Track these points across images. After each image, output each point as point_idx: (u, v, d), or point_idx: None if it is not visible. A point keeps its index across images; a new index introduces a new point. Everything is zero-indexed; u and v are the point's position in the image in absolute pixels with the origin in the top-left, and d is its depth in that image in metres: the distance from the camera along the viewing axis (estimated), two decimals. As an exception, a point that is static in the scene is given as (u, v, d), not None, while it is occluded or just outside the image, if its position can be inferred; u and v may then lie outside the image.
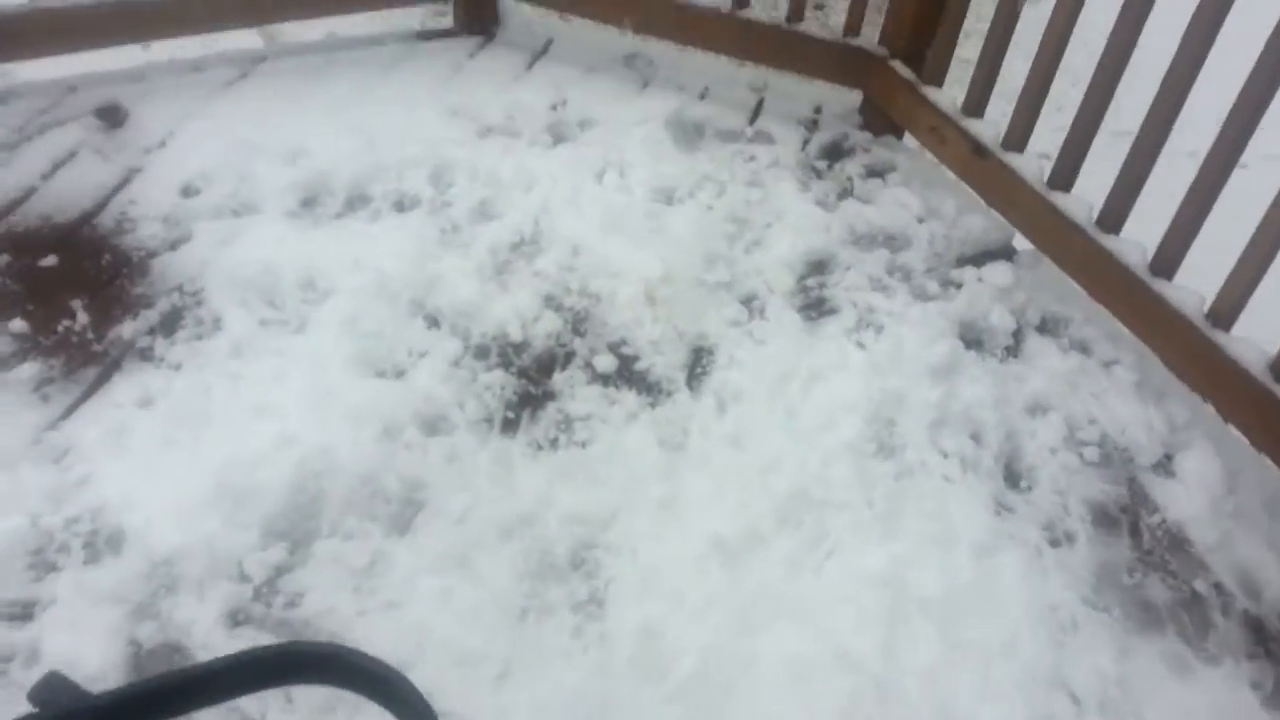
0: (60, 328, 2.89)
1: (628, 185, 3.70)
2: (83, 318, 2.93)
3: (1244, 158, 2.89)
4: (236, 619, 2.27)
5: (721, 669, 2.34)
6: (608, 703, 2.25)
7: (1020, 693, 2.39)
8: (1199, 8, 2.85)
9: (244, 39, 4.33)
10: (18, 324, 2.86)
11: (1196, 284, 3.12)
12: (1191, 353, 3.12)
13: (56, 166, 3.43)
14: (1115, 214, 3.29)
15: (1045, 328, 3.46)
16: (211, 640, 2.21)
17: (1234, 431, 3.10)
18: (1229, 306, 3.00)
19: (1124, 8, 3.06)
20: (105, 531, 2.37)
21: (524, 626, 2.39)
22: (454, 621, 2.34)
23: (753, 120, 4.17)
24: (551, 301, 3.26)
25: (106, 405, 2.69)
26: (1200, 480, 3.01)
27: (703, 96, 4.23)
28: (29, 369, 2.74)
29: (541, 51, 4.37)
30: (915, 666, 2.40)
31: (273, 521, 2.45)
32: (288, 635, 2.23)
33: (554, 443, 2.84)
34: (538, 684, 2.27)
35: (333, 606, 2.32)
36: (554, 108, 4.05)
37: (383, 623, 2.31)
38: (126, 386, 2.74)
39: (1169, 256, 3.15)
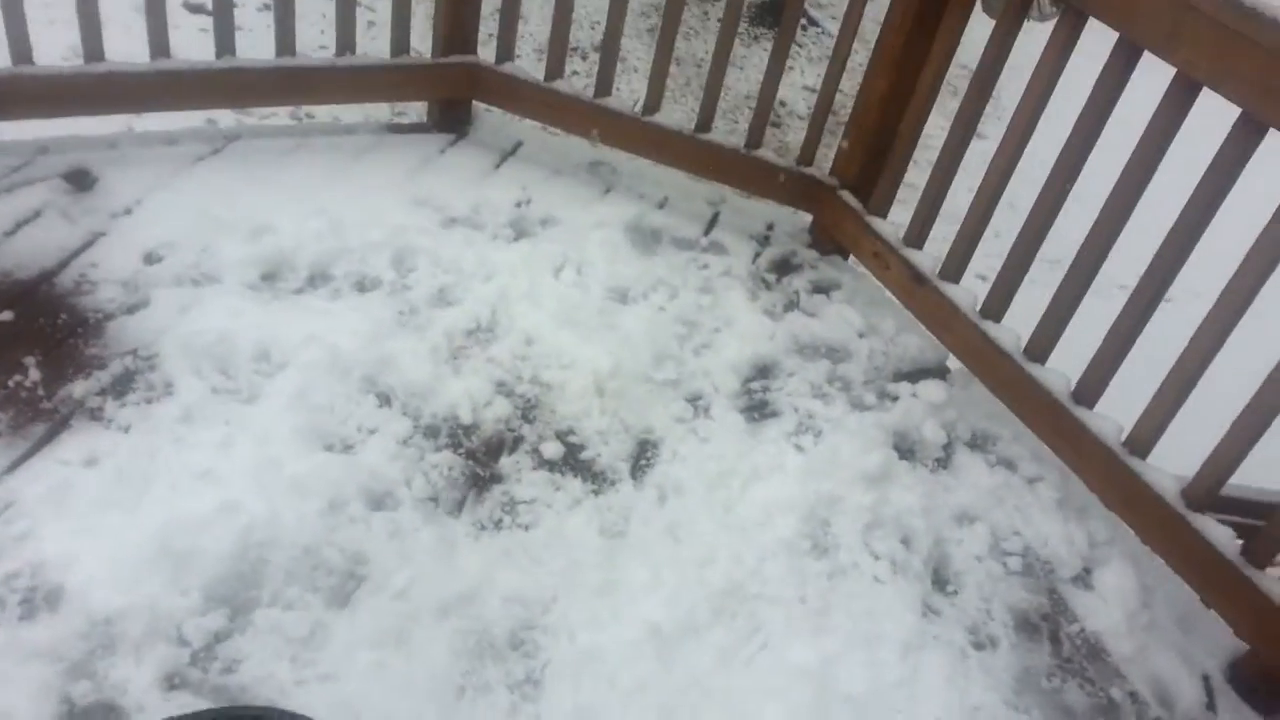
0: (11, 383, 2.89)
1: (584, 283, 3.84)
2: (34, 374, 2.94)
3: (1170, 291, 3.12)
4: (173, 682, 2.25)
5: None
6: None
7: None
8: (1134, 155, 3.11)
9: (219, 115, 4.44)
10: (-33, 377, 2.86)
11: (1117, 410, 3.32)
12: (1110, 477, 3.29)
13: (20, 225, 3.47)
14: (1042, 345, 3.51)
15: (975, 443, 3.63)
16: (147, 702, 2.18)
17: (1149, 550, 3.25)
18: (1146, 435, 3.20)
19: (1063, 152, 3.32)
20: (44, 588, 2.35)
21: (460, 704, 2.40)
22: (390, 696, 2.35)
23: (708, 231, 4.37)
24: (503, 388, 3.35)
25: (52, 462, 2.68)
26: (1117, 594, 3.15)
27: (662, 206, 4.43)
28: (-25, 422, 2.73)
29: (510, 152, 4.56)
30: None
31: (214, 587, 2.45)
32: (224, 701, 2.21)
33: (498, 524, 2.89)
34: (469, 765, 2.28)
35: (270, 674, 2.31)
36: (518, 205, 4.22)
37: (319, 693, 2.30)
38: (74, 444, 2.74)
39: (1091, 386, 3.36)
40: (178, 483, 2.70)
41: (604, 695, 2.48)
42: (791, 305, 4.07)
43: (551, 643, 2.59)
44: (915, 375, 3.86)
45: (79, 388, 2.93)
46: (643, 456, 3.25)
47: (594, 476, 3.13)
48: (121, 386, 2.98)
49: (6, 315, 3.12)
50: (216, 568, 2.48)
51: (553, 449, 3.17)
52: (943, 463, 3.51)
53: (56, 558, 2.40)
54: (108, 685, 2.20)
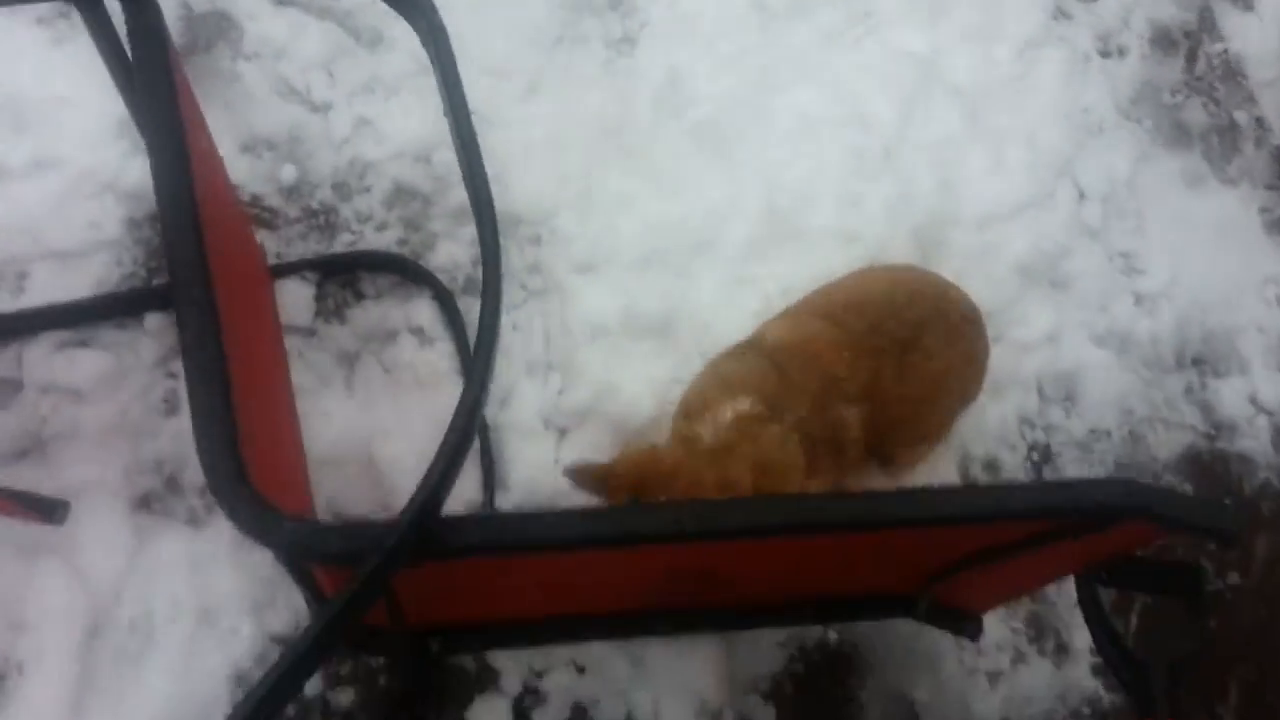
0: None
1: None
2: None
3: None
4: (282, -4, 2.33)
5: (738, 115, 2.41)
6: (625, 126, 2.35)
7: (1028, 174, 2.46)
8: None
9: None
10: None
11: None
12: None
13: None
14: None
15: None
16: (257, 9, 2.28)
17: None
18: None
19: None
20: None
21: (556, 51, 2.44)
22: (489, 34, 2.39)
23: None
24: None
25: None
26: (1277, 15, 2.84)
27: None
28: None
29: None
30: (928, 138, 2.45)
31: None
32: (330, 19, 2.29)
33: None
34: (563, 102, 2.37)
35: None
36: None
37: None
38: None
39: None
40: None
41: (699, 58, 2.48)
42: None
43: (652, 5, 2.54)
44: None
45: None
46: None
47: None
48: None
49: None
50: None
51: None
52: None
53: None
54: (220, -3, 2.30)
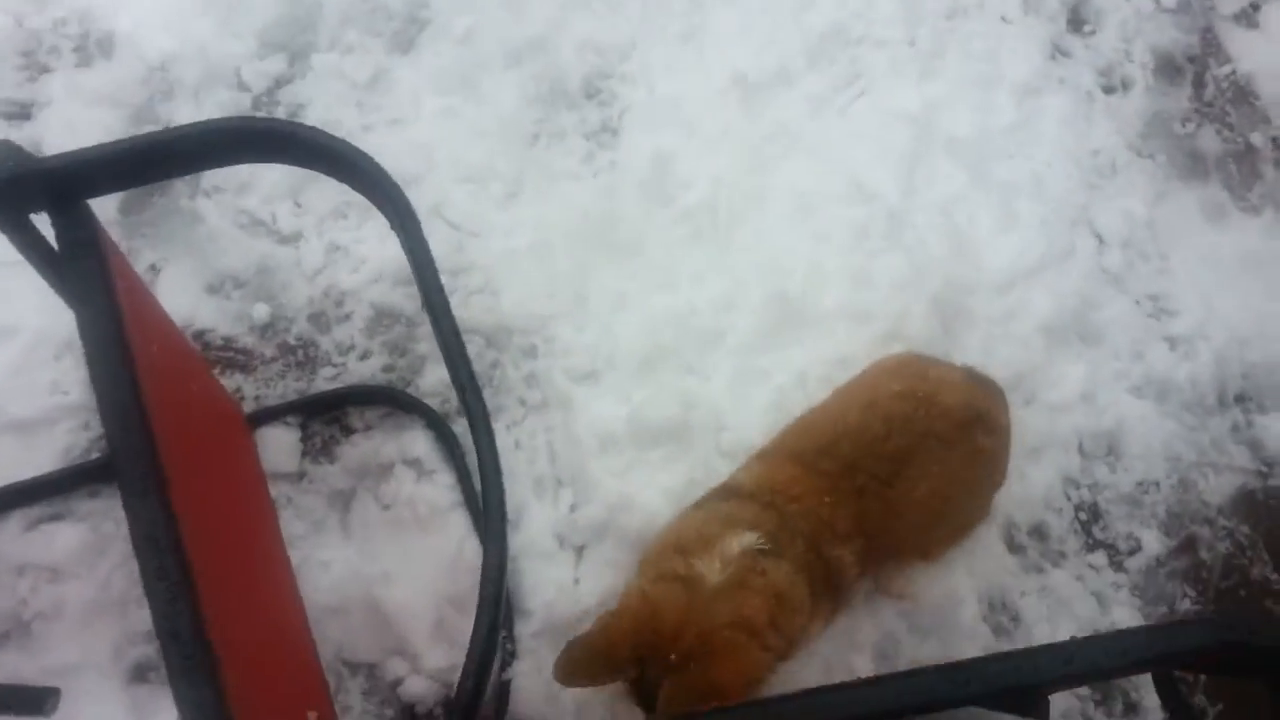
0: None
1: None
2: None
3: None
4: (238, 125, 2.22)
5: (731, 198, 2.28)
6: (614, 221, 2.23)
7: (1043, 229, 2.32)
8: None
9: None
10: None
11: None
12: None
13: None
14: None
15: None
16: (211, 143, 2.17)
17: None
18: None
19: None
20: (95, 34, 2.28)
21: (534, 150, 2.33)
22: (462, 141, 2.28)
23: None
24: None
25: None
26: (1284, 30, 2.73)
27: None
28: None
29: None
30: (934, 201, 2.32)
31: (268, 32, 2.32)
32: (290, 143, 2.18)
33: (570, -33, 2.60)
34: (546, 203, 2.25)
35: (337, 119, 2.26)
36: None
37: (388, 138, 2.25)
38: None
39: None
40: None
41: (684, 141, 2.36)
42: None
43: (629, 91, 2.43)
44: None
45: None
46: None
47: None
48: None
49: None
50: (268, 12, 2.33)
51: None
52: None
53: (102, 3, 2.28)
54: (175, 129, 2.19)
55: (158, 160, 1.36)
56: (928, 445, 1.70)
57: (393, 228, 1.32)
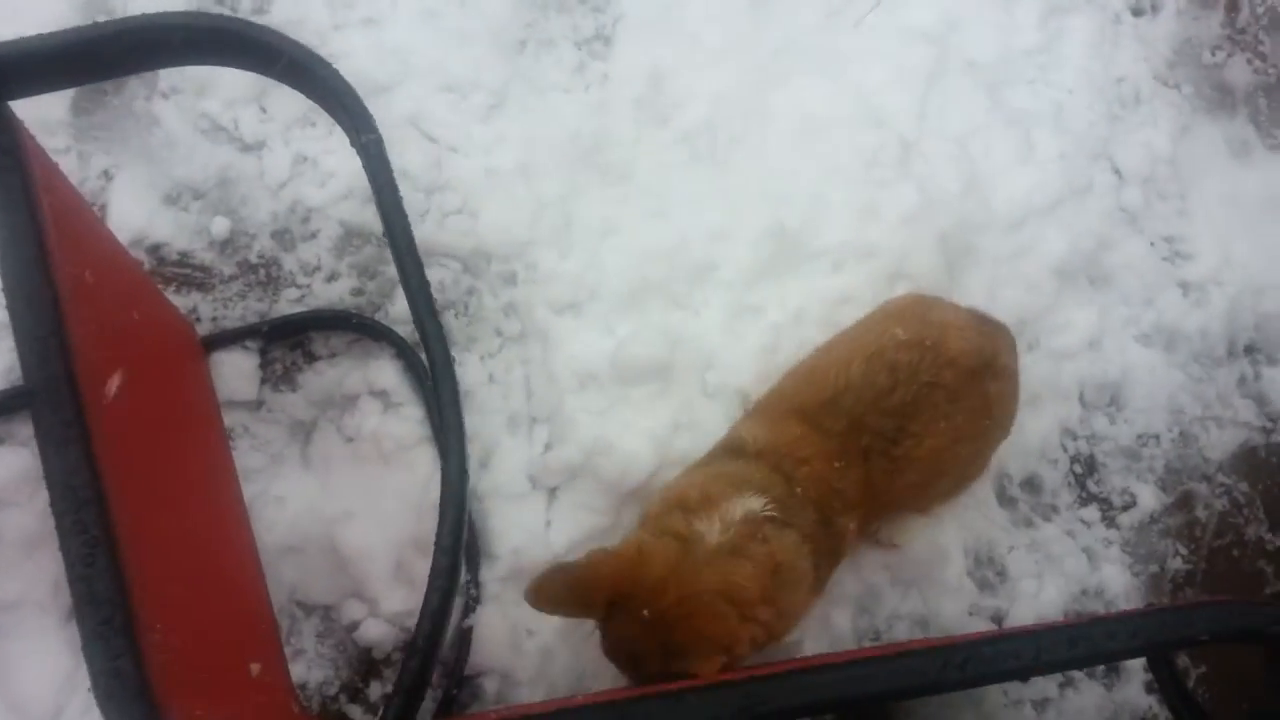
0: None
1: None
2: None
3: None
4: (196, 19, 2.03)
5: (732, 119, 2.12)
6: (606, 141, 2.07)
7: (1061, 163, 2.18)
8: None
9: None
10: None
11: None
12: None
13: None
14: None
15: None
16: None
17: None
18: None
19: None
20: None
21: (521, 58, 2.15)
22: (442, 46, 2.10)
23: None
24: None
25: None
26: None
27: None
28: None
29: None
30: (949, 129, 2.17)
31: (230, -84, 2.11)
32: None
33: None
34: (532, 118, 2.09)
35: (304, 17, 2.07)
36: None
37: (360, 40, 2.07)
38: None
39: None
40: None
41: (683, 54, 2.18)
42: None
43: (625, -5, 2.24)
44: None
45: None
46: None
47: None
48: None
49: None
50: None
51: None
52: None
53: None
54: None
55: (89, 59, 1.21)
56: (934, 399, 1.59)
57: (352, 144, 1.18)
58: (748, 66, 2.18)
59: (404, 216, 1.14)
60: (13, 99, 1.18)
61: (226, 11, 2.06)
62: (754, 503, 1.45)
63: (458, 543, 1.08)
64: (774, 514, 1.44)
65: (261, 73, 1.26)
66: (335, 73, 1.20)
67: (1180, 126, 2.30)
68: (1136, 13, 2.43)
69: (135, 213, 1.91)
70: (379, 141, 1.17)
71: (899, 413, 1.58)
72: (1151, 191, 2.25)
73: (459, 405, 1.09)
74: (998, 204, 2.11)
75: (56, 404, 1.00)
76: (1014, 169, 2.15)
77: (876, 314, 1.79)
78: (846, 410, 1.58)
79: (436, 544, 1.05)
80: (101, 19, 1.17)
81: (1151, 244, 2.29)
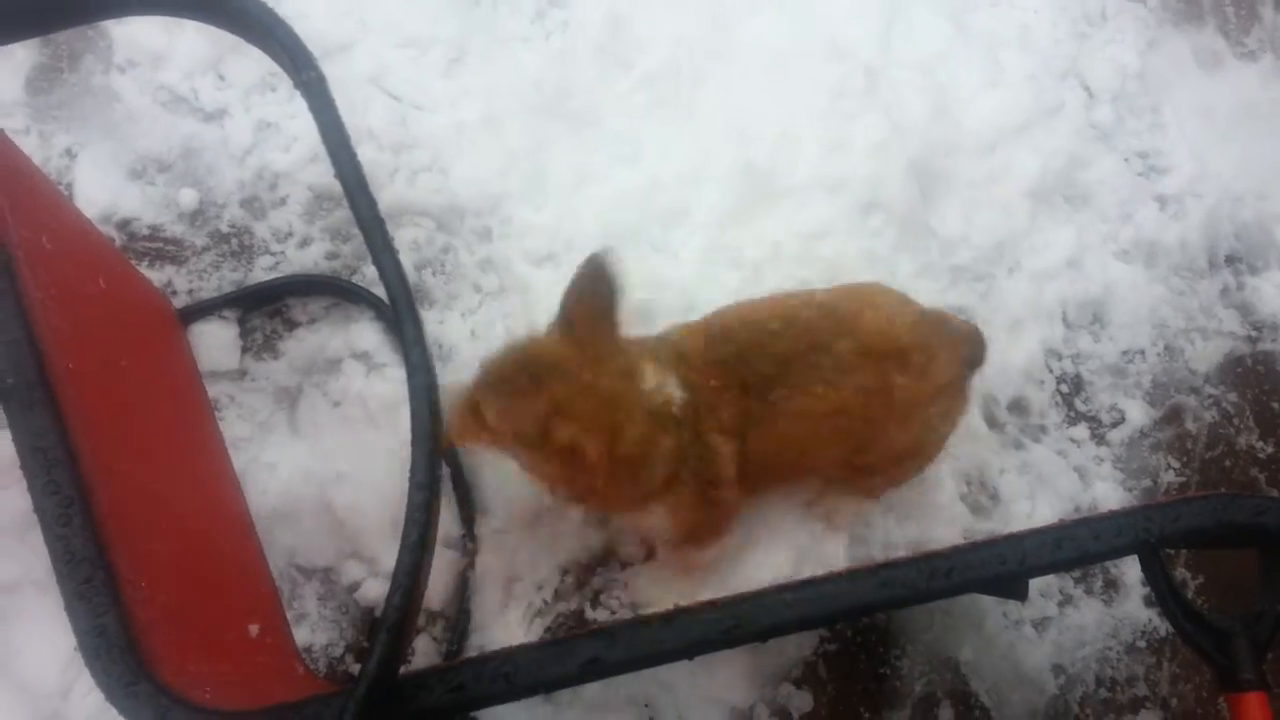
0: None
1: None
2: None
3: None
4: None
5: (695, 60, 2.11)
6: (570, 89, 2.05)
7: (1029, 84, 2.17)
8: None
9: None
10: None
11: None
12: None
13: None
14: None
15: None
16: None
17: None
18: None
19: None
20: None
21: (477, 9, 2.13)
22: (397, 1, 2.08)
23: None
24: None
25: None
26: None
27: None
28: None
29: None
30: (913, 57, 2.15)
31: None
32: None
33: None
34: (494, 69, 2.07)
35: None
36: None
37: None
38: None
39: None
40: None
41: (641, 1, 2.15)
42: None
43: (582, -59, 2.21)
44: None
45: None
46: None
47: None
48: None
49: None
50: None
51: None
52: None
53: None
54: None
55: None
56: (817, 361, 1.59)
57: (294, 85, 1.16)
58: (708, 5, 2.17)
59: (352, 153, 1.12)
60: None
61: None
62: (671, 390, 1.51)
63: (433, 477, 1.08)
64: (671, 413, 1.50)
65: (190, 17, 1.23)
66: (268, 10, 1.18)
67: (1148, 40, 2.28)
68: (1099, -72, 2.40)
69: (101, 189, 1.90)
70: (321, 79, 1.15)
71: (779, 361, 1.58)
72: (1123, 107, 2.24)
73: (425, 344, 1.09)
74: (968, 128, 2.10)
75: (18, 367, 0.99)
76: (982, 92, 2.14)
77: (836, 286, 1.76)
78: (738, 341, 1.59)
79: (411, 479, 1.05)
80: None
81: (1125, 160, 2.28)
